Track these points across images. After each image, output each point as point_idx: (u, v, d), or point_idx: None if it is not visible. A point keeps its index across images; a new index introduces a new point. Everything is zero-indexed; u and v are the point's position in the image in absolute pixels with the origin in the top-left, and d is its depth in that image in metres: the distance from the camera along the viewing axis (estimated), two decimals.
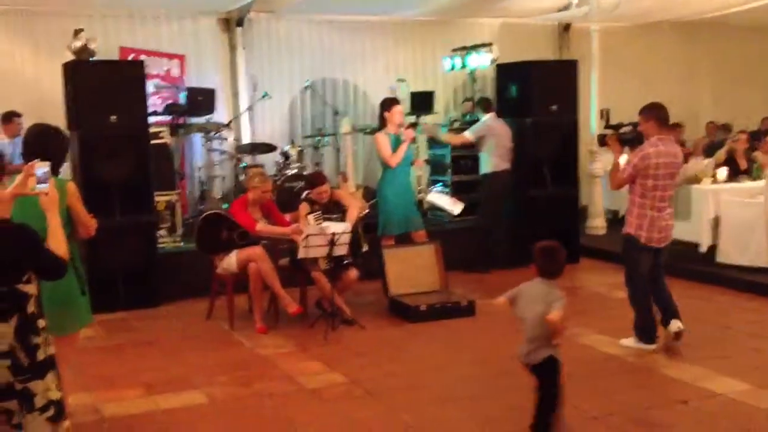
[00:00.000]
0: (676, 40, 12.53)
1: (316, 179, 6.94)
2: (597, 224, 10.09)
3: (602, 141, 6.33)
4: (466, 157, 9.08)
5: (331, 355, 5.87)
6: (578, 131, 9.05)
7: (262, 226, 6.62)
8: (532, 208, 8.88)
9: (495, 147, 8.56)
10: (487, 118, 8.66)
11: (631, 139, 6.00)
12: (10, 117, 8.47)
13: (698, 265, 8.10)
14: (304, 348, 6.08)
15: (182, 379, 5.41)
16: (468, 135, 8.64)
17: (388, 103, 7.52)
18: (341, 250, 6.46)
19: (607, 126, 6.36)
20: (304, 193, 7.11)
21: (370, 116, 10.70)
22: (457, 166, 9.39)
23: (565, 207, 8.97)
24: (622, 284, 6.05)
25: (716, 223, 7.98)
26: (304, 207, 6.76)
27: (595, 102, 9.91)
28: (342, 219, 6.70)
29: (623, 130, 6.15)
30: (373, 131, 8.03)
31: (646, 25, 12.06)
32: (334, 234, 6.34)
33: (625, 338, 5.93)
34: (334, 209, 6.79)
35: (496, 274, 8.56)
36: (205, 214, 6.87)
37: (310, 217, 6.65)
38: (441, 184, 9.64)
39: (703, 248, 8.04)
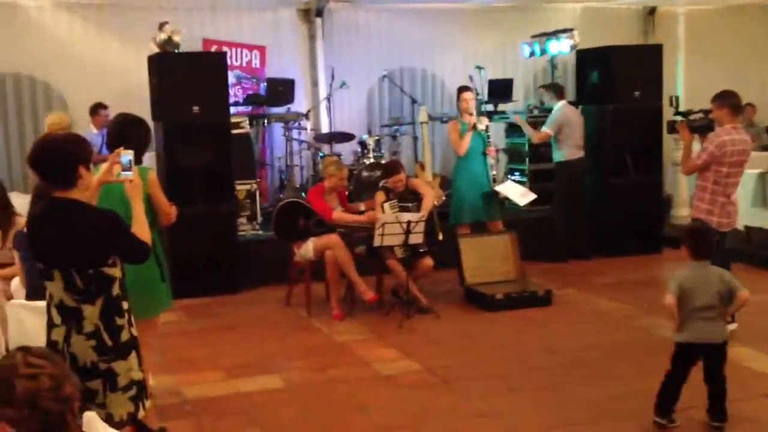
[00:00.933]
0: (766, 23, 11.99)
1: (392, 168, 6.98)
2: (682, 213, 9.78)
3: (671, 128, 6.25)
4: (544, 145, 8.92)
5: (407, 342, 5.91)
6: (662, 118, 8.78)
7: (338, 214, 6.70)
8: (614, 197, 8.70)
9: (570, 135, 8.43)
10: (560, 105, 8.52)
11: (701, 126, 5.97)
12: (97, 109, 8.77)
13: None
14: (380, 335, 6.13)
15: (260, 364, 5.54)
16: (547, 130, 8.47)
17: (458, 91, 7.56)
18: (416, 239, 6.48)
19: (677, 113, 6.28)
20: (381, 182, 7.17)
21: (447, 105, 10.67)
22: (535, 154, 9.26)
23: (648, 195, 8.76)
24: None
25: None
26: (380, 195, 6.81)
27: (681, 88, 9.61)
28: (418, 207, 6.72)
29: (693, 117, 6.06)
30: (450, 120, 8.02)
31: (734, 8, 11.58)
32: (409, 222, 6.36)
33: None
34: (409, 198, 6.81)
35: (575, 263, 8.44)
36: (282, 202, 7.00)
37: (386, 205, 6.70)
38: (518, 173, 9.54)
39: None
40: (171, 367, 5.47)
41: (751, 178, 7.81)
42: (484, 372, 5.25)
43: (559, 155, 8.53)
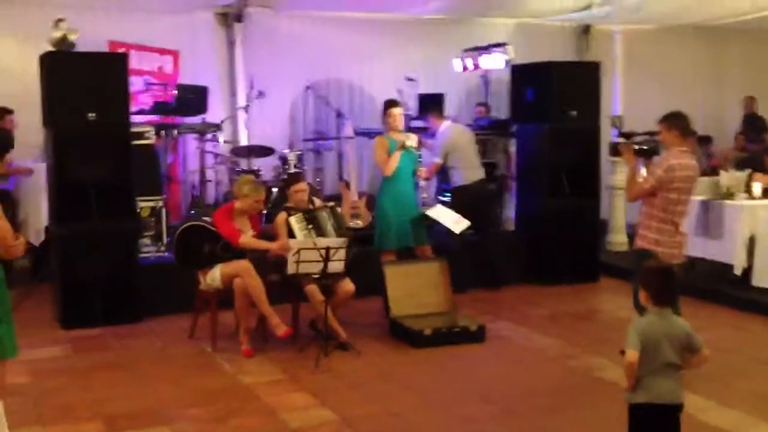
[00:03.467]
0: (703, 44, 11.85)
1: (292, 177, 6.42)
2: (618, 240, 9.37)
3: (614, 150, 5.79)
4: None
5: (322, 385, 5.21)
6: (599, 139, 8.37)
7: (246, 240, 5.95)
8: (549, 220, 8.18)
9: (460, 159, 7.81)
10: (443, 128, 7.85)
11: (647, 150, 5.56)
12: (2, 114, 7.88)
13: (731, 288, 7.38)
14: (293, 376, 5.41)
15: (151, 412, 4.75)
16: (437, 160, 7.84)
17: (386, 106, 6.88)
18: (337, 267, 5.81)
19: (620, 134, 5.86)
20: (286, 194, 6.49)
21: (376, 120, 10.06)
22: None
23: (583, 220, 8.26)
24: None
25: (752, 242, 7.26)
26: (281, 218, 6.12)
27: (618, 108, 9.23)
28: (331, 212, 6.20)
29: (637, 139, 5.64)
30: (378, 135, 7.38)
31: (670, 29, 11.39)
32: (328, 249, 5.69)
33: None
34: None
35: (509, 291, 7.87)
36: (183, 226, 6.21)
37: (292, 220, 6.01)
38: (449, 194, 8.96)
39: (737, 270, 7.31)
40: (44, 416, 4.68)
41: (693, 206, 7.40)
42: (408, 424, 4.59)
43: (455, 179, 7.90)
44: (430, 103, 8.43)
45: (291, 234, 6.04)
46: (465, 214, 7.44)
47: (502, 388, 5.18)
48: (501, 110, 10.26)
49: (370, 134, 9.28)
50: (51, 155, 6.72)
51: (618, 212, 9.36)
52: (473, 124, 9.20)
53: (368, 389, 5.18)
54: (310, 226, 6.11)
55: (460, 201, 7.80)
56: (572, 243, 8.16)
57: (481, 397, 5.03)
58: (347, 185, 8.50)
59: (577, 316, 7.10)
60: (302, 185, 6.22)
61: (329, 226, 6.18)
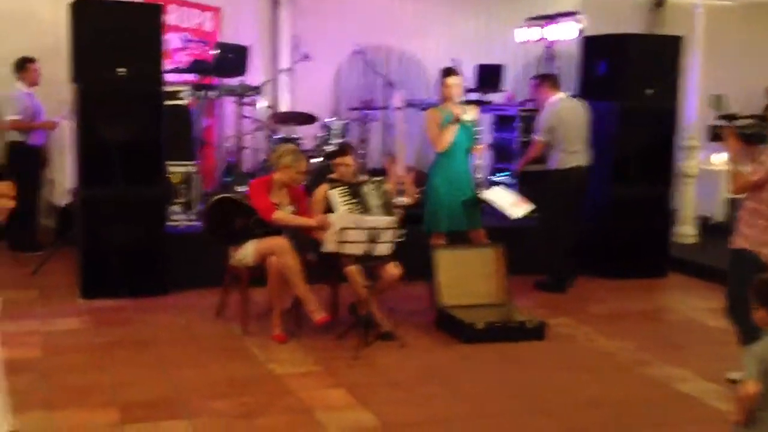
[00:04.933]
0: None
1: (342, 148, 5.82)
2: (687, 231, 8.58)
3: (715, 134, 5.01)
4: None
5: (361, 381, 4.64)
6: (676, 121, 7.62)
7: (280, 215, 5.35)
8: (616, 210, 7.44)
9: (563, 139, 6.76)
10: (552, 101, 6.82)
11: (754, 135, 4.79)
12: (25, 63, 7.43)
13: None
14: (329, 369, 4.83)
15: (170, 402, 4.22)
16: (539, 137, 6.84)
17: (442, 74, 6.18)
18: (383, 249, 5.21)
19: (721, 116, 5.09)
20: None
21: (426, 90, 9.45)
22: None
23: (653, 210, 7.53)
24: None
25: None
26: (321, 189, 5.54)
27: (695, 89, 8.43)
28: (378, 187, 5.63)
29: (740, 122, 4.88)
30: (429, 107, 6.71)
31: (752, 6, 10.50)
32: (375, 229, 5.09)
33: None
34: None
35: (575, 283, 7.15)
36: (214, 198, 5.66)
37: (334, 193, 5.40)
38: (506, 173, 8.29)
39: None
40: (52, 399, 4.18)
41: None
42: None
43: (552, 161, 6.89)
44: (545, 74, 7.35)
45: (329, 210, 5.46)
46: (547, 202, 6.79)
47: (565, 399, 4.53)
48: (563, 85, 9.52)
49: (420, 106, 8.65)
50: (77, 112, 6.21)
51: (689, 202, 8.58)
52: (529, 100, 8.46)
53: (412, 390, 4.57)
54: (355, 200, 5.50)
55: (550, 186, 6.89)
56: (639, 234, 7.44)
57: (539, 408, 4.38)
58: (393, 159, 7.87)
59: (646, 316, 6.41)
60: (350, 159, 5.62)
61: (375, 203, 5.57)
